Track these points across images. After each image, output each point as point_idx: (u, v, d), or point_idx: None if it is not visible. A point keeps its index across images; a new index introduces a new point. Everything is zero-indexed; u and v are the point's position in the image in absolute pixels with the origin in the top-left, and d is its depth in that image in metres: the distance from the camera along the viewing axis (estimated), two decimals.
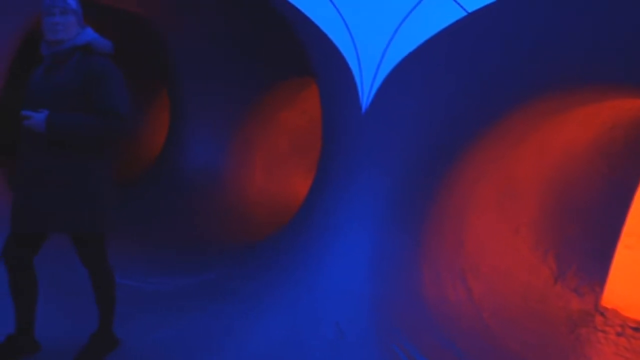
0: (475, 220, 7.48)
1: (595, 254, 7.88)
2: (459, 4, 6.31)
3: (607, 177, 7.89)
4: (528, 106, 6.80)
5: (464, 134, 6.92)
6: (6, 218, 4.64)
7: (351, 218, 6.52)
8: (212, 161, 11.58)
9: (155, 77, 14.38)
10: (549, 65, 6.22)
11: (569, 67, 6.25)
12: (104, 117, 4.29)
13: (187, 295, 6.69)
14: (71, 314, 5.79)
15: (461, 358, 5.69)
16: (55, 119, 4.22)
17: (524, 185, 7.96)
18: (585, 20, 5.70)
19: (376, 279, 6.31)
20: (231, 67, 11.23)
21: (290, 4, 7.02)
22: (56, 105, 4.33)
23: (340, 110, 6.81)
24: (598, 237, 7.92)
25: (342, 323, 5.71)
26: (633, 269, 8.06)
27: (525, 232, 7.95)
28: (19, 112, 4.37)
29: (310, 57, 7.46)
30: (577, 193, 8.05)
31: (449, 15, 6.49)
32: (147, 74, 14.44)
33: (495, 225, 7.72)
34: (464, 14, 6.36)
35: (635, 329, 7.16)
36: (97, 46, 4.53)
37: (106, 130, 4.31)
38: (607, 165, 7.88)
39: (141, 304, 6.29)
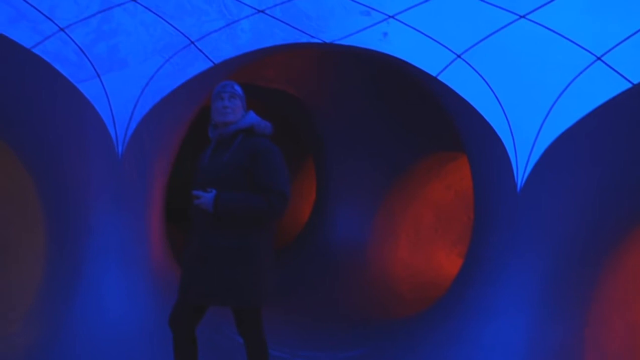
0: None
1: None
2: (623, 76, 6.05)
3: None
4: None
5: (628, 212, 6.48)
6: (174, 288, 4.94)
7: (507, 300, 6.27)
8: (357, 233, 11.67)
9: (302, 144, 14.94)
10: None
11: None
12: (267, 195, 4.52)
13: None
14: None
15: None
16: (223, 198, 4.50)
17: None
18: None
19: None
20: (377, 140, 11.44)
21: (439, 81, 7.08)
22: (223, 184, 4.62)
23: (494, 188, 6.67)
24: None
25: None
26: None
27: None
28: (190, 185, 4.72)
29: (460, 132, 7.43)
30: None
31: (608, 89, 6.23)
32: (294, 142, 15.08)
33: None
34: (624, 87, 6.08)
35: None
36: (259, 128, 4.83)
37: (270, 208, 4.52)
38: None
39: None
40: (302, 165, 16.30)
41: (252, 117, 4.87)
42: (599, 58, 6.18)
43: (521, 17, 6.59)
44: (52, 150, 6.81)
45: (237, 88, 4.84)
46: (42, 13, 6.29)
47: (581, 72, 6.27)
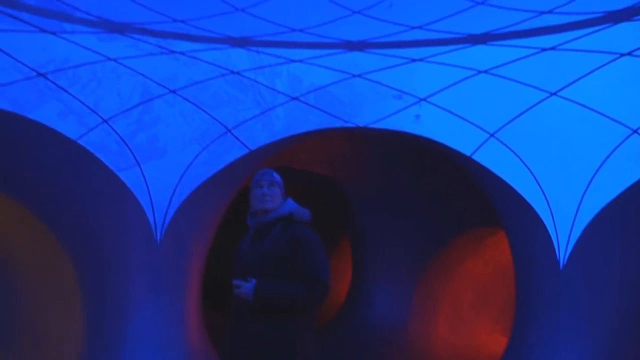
0: None
1: None
2: None
3: None
4: None
5: None
6: None
7: None
8: (396, 311, 11.48)
9: (337, 223, 14.96)
10: None
11: None
12: (307, 284, 4.48)
13: None
14: None
15: None
16: (262, 287, 4.48)
17: None
18: None
19: None
20: (413, 218, 11.41)
21: (474, 160, 7.10)
22: (262, 272, 4.61)
23: (535, 266, 6.55)
24: None
25: None
26: None
27: None
28: (229, 273, 4.74)
29: (498, 210, 7.38)
30: None
31: None
32: (329, 221, 15.11)
33: None
34: None
35: None
36: (298, 216, 4.85)
37: (310, 297, 4.48)
38: None
39: None
40: (337, 243, 16.27)
41: (291, 205, 4.91)
42: (635, 131, 6.17)
43: (552, 94, 6.66)
44: (93, 236, 6.95)
45: (276, 176, 4.91)
46: (87, 106, 6.58)
47: (617, 146, 6.25)
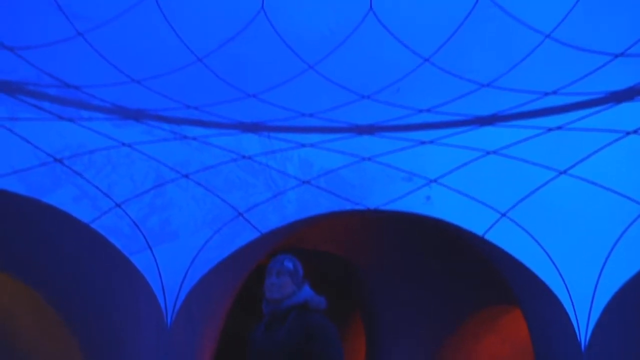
0: None
1: None
2: None
3: None
4: None
5: None
6: None
7: None
8: None
9: (349, 301, 14.71)
10: None
11: None
12: None
13: None
14: None
15: None
16: None
17: None
18: None
19: None
20: (427, 297, 11.25)
21: (486, 240, 7.06)
22: None
23: (556, 347, 6.34)
24: None
25: None
26: None
27: None
28: (241, 358, 4.60)
29: (513, 290, 7.27)
30: None
31: None
32: (341, 298, 14.83)
33: None
34: None
35: None
36: (313, 304, 4.74)
37: None
38: None
39: None
40: (349, 320, 15.97)
41: (306, 292, 4.82)
42: None
43: (561, 173, 6.70)
44: (103, 319, 6.86)
45: (287, 264, 4.82)
46: (101, 191, 6.67)
47: (631, 223, 6.20)
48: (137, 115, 6.93)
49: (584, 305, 6.03)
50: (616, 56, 6.21)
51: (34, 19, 5.77)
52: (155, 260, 6.78)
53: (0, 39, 5.78)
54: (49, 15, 5.74)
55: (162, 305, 6.59)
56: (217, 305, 7.29)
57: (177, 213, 7.18)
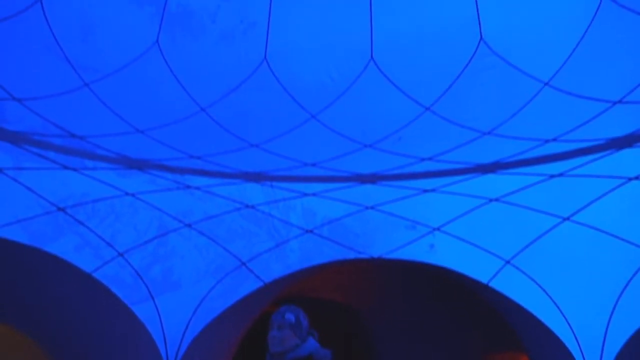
0: None
1: None
2: None
3: None
4: None
5: None
6: None
7: None
8: None
9: (352, 350, 14.42)
10: None
11: None
12: None
13: None
14: None
15: None
16: None
17: None
18: None
19: None
20: (433, 343, 11.05)
21: (491, 288, 6.98)
22: None
23: None
24: None
25: None
26: None
27: None
28: None
29: (520, 338, 7.13)
30: None
31: None
32: (344, 347, 14.52)
33: None
34: None
35: None
36: (317, 357, 4.67)
37: None
38: None
39: None
40: None
41: (311, 346, 4.74)
42: None
43: (565, 219, 6.67)
44: None
45: (289, 316, 4.75)
46: (104, 240, 6.66)
47: (639, 270, 6.14)
48: (141, 165, 6.98)
49: (593, 353, 5.91)
50: (614, 103, 6.28)
51: (42, 70, 5.90)
52: (157, 310, 6.71)
53: (9, 90, 5.90)
54: (57, 67, 5.87)
55: (164, 355, 6.48)
56: (219, 356, 7.17)
57: (180, 262, 7.14)
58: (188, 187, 7.27)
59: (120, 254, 6.80)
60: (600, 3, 5.75)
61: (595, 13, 5.88)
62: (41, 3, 5.54)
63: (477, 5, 6.24)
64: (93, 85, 6.16)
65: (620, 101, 6.22)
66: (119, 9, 5.73)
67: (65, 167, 6.55)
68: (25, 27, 5.58)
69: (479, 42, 6.47)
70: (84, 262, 6.58)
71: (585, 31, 5.95)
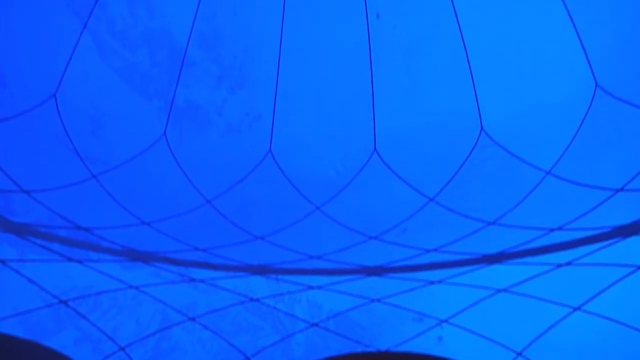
0: None
1: None
2: None
3: None
4: None
5: None
6: None
7: None
8: None
9: None
10: None
11: None
12: None
13: None
14: None
15: None
16: None
17: None
18: None
19: None
20: None
21: None
22: None
23: None
24: None
25: None
26: None
27: None
28: None
29: None
30: None
31: None
32: None
33: None
34: None
35: None
36: None
37: None
38: None
39: None
40: None
41: None
42: None
43: (575, 309, 6.55)
44: None
45: None
46: (105, 333, 6.54)
47: None
48: (145, 258, 6.97)
49: None
50: (617, 191, 6.31)
51: (51, 162, 6.05)
52: None
53: (18, 182, 6.01)
54: (66, 159, 6.02)
55: None
56: None
57: (182, 357, 6.97)
58: (192, 279, 7.21)
59: (122, 348, 6.66)
60: (594, 94, 5.92)
61: (590, 103, 6.05)
62: (55, 98, 5.77)
63: (476, 97, 6.43)
64: (100, 177, 6.28)
65: (622, 189, 6.26)
66: (128, 102, 5.95)
67: (70, 259, 6.54)
68: (39, 121, 5.77)
69: (480, 132, 6.61)
70: (84, 356, 6.43)
71: (583, 120, 6.09)
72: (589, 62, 5.74)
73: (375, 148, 6.98)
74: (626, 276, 6.46)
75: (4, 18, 5.33)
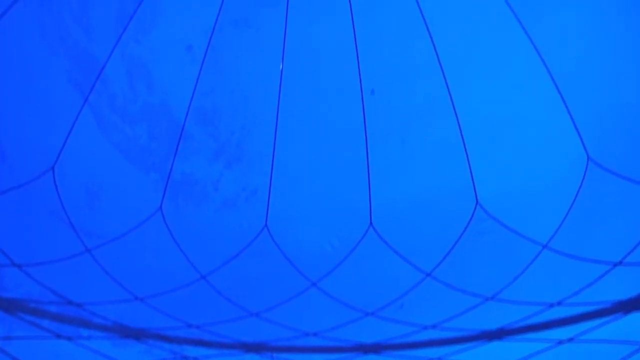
0: None
1: None
2: None
3: None
4: None
5: None
6: None
7: None
8: None
9: None
10: None
11: None
12: None
13: None
14: None
15: None
16: None
17: None
18: None
19: None
20: None
21: None
22: None
23: None
24: None
25: None
26: None
27: None
28: None
29: None
30: None
31: None
32: None
33: None
34: None
35: None
36: None
37: None
38: None
39: None
40: None
41: None
42: None
43: None
44: None
45: None
46: None
47: None
48: (137, 334, 6.80)
49: None
50: (615, 265, 6.27)
51: (46, 235, 6.01)
52: None
53: (10, 256, 5.95)
54: (61, 232, 5.99)
55: None
56: None
57: None
58: (185, 358, 7.02)
59: None
60: (586, 166, 6.00)
61: (584, 176, 6.11)
62: (53, 171, 5.80)
63: (471, 172, 6.50)
64: (95, 251, 6.22)
65: (620, 263, 6.22)
66: (126, 175, 5.98)
67: (59, 336, 6.38)
68: (35, 193, 5.78)
69: (475, 206, 6.64)
70: None
71: (577, 193, 6.13)
72: (579, 135, 5.85)
73: (371, 222, 6.98)
74: (632, 354, 6.34)
75: (6, 91, 5.45)
